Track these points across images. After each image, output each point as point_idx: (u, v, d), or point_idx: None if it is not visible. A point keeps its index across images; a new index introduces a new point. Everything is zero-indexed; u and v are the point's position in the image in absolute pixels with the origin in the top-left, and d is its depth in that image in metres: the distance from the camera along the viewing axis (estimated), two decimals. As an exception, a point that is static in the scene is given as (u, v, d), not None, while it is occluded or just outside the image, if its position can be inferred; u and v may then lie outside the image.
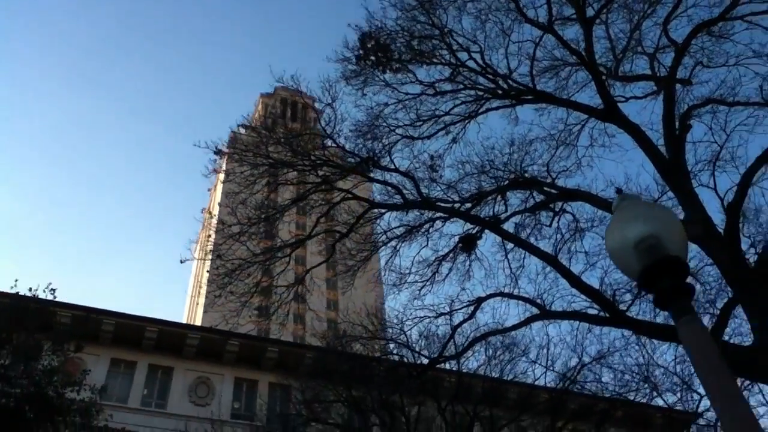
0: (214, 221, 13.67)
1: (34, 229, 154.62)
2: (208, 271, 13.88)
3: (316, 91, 15.59)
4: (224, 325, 14.86)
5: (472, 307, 16.03)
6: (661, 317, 16.10)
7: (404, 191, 14.68)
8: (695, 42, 16.79)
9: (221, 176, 17.71)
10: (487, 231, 16.89)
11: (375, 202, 15.28)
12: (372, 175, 15.17)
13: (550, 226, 18.10)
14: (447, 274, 18.62)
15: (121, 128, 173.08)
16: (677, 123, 15.08)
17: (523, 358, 20.44)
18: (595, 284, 15.95)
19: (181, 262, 14.37)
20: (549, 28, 15.17)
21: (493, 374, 21.16)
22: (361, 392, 20.17)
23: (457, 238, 18.16)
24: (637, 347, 19.69)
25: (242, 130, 13.89)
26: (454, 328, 15.83)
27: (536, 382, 21.01)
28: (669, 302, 4.46)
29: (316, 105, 17.13)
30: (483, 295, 16.01)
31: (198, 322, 48.69)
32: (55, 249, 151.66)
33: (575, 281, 13.09)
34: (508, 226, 17.59)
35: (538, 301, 15.38)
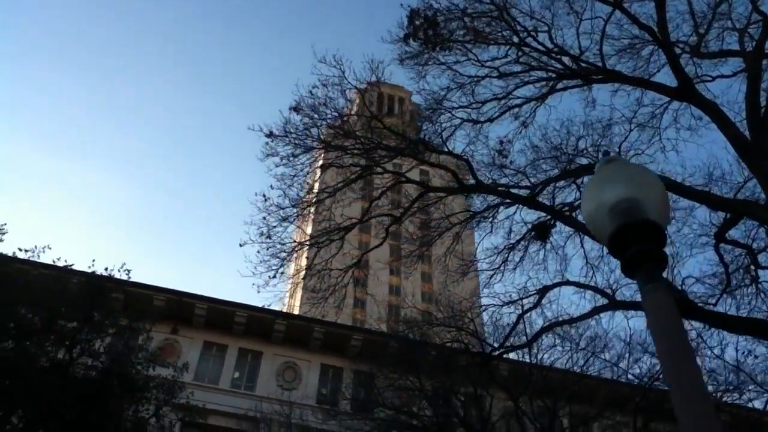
0: (268, 203, 13.92)
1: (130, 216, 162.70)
2: (257, 252, 14.17)
3: (362, 72, 15.29)
4: (277, 305, 15.17)
5: (538, 296, 15.53)
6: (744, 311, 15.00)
7: (461, 175, 14.35)
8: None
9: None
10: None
11: (429, 185, 15.02)
12: (426, 158, 14.90)
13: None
14: (518, 263, 18.14)
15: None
16: (765, 101, 13.95)
17: (605, 354, 19.50)
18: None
19: (240, 245, 14.55)
20: (617, 3, 14.34)
21: (575, 368, 20.41)
22: (439, 382, 20.01)
23: (530, 226, 17.67)
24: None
25: (294, 114, 14.05)
26: (519, 317, 15.37)
27: (620, 378, 20.05)
28: (635, 268, 4.05)
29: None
30: (550, 283, 15.45)
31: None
32: (136, 234, 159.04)
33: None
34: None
35: (608, 291, 14.63)
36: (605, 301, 14.30)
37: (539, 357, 19.24)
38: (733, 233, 16.52)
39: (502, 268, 17.68)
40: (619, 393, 20.00)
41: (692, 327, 17.89)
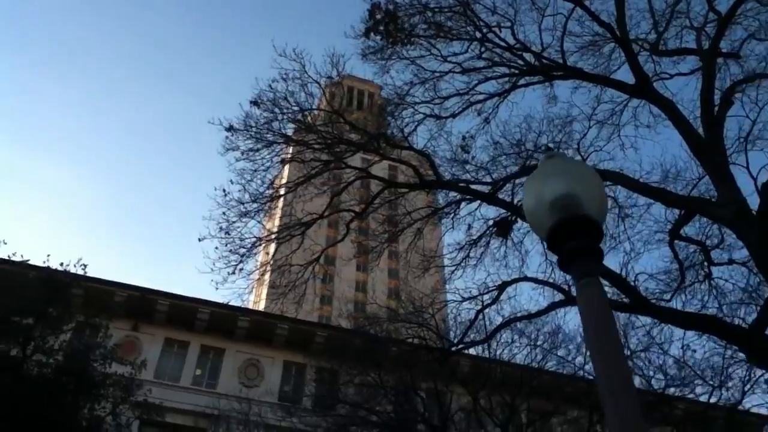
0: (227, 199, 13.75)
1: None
2: (216, 248, 14.03)
3: (323, 67, 15.14)
4: (237, 301, 15.03)
5: (497, 292, 15.60)
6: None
7: (422, 171, 14.34)
8: (747, 12, 15.77)
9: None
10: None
11: (390, 181, 14.99)
12: (388, 153, 14.86)
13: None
14: (479, 259, 18.22)
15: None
16: (719, 100, 14.19)
17: (561, 350, 19.66)
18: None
19: (200, 240, 14.35)
20: (578, 0, 14.46)
21: (534, 364, 20.54)
22: (400, 378, 19.95)
23: (491, 222, 17.74)
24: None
25: (256, 108, 13.88)
26: (478, 312, 15.42)
27: (576, 374, 20.23)
28: (571, 263, 4.06)
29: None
30: (509, 279, 15.53)
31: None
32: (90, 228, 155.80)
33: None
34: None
35: (564, 286, 14.74)
36: (562, 297, 14.43)
37: (498, 353, 19.35)
38: (689, 230, 16.85)
39: (463, 264, 17.75)
40: (575, 388, 20.19)
41: (641, 323, 18.13)
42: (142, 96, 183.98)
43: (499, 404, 20.06)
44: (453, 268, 17.59)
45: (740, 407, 19.10)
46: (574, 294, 15.09)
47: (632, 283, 13.36)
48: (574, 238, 4.11)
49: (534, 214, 4.50)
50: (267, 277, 18.14)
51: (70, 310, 18.38)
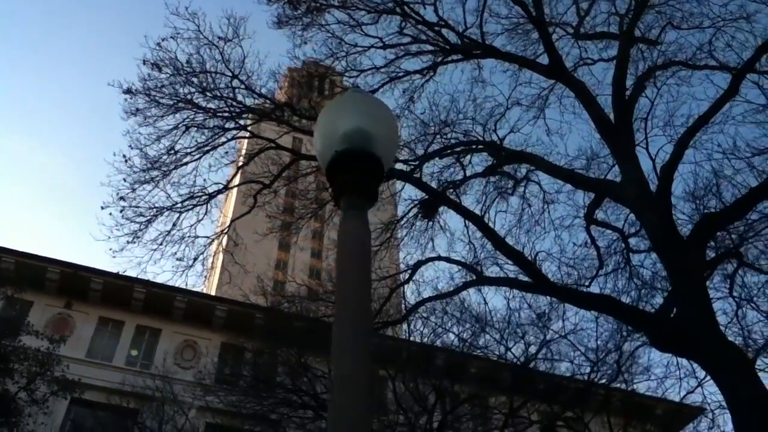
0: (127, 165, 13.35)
1: None
2: (110, 214, 13.63)
3: (222, 29, 14.61)
4: (138, 272, 14.69)
5: (410, 272, 15.49)
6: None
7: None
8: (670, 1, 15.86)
9: None
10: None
11: (300, 153, 14.72)
12: (296, 124, 14.57)
13: (512, 194, 17.40)
14: (402, 239, 18.12)
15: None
16: (634, 85, 14.23)
17: (485, 333, 19.54)
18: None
19: (102, 208, 13.94)
20: (494, -23, 14.37)
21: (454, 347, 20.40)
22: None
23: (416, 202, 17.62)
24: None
25: (156, 72, 13.45)
26: (391, 291, 15.31)
27: (500, 359, 20.19)
28: (341, 195, 3.90)
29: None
30: (423, 258, 15.43)
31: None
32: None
33: (499, 242, 12.43)
34: (472, 198, 17.04)
35: (477, 267, 14.68)
36: (474, 277, 14.37)
37: (415, 334, 19.19)
38: (610, 217, 16.93)
39: (387, 244, 17.63)
40: (494, 372, 20.20)
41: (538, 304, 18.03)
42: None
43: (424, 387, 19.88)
44: (377, 248, 17.48)
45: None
46: (485, 274, 15.03)
47: (537, 264, 13.31)
48: (349, 171, 3.97)
49: (322, 147, 4.32)
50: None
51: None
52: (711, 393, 22.67)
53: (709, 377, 12.01)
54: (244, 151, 15.66)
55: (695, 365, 14.53)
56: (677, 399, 19.50)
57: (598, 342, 17.56)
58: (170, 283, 15.35)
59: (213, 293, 38.93)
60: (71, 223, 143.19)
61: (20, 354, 19.02)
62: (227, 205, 28.73)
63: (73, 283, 30.84)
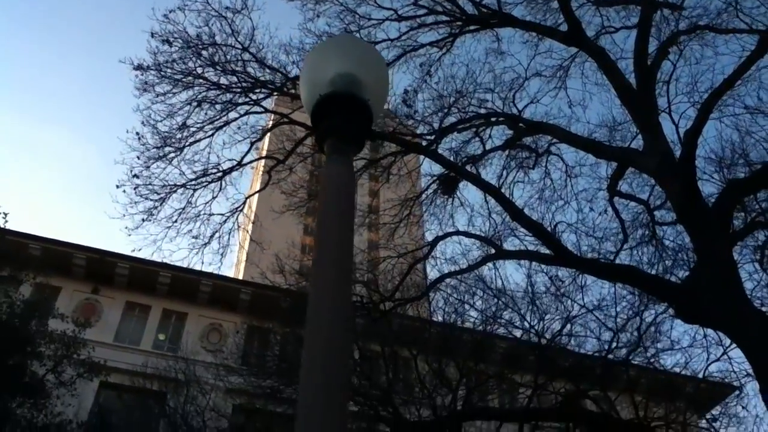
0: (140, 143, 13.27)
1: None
2: (123, 192, 13.58)
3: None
4: (154, 250, 14.68)
5: (429, 247, 15.28)
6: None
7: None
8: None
9: None
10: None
11: (311, 126, 14.43)
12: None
13: (533, 168, 17.06)
14: (421, 216, 17.92)
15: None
16: (656, 51, 13.76)
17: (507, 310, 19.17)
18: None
19: (117, 186, 13.92)
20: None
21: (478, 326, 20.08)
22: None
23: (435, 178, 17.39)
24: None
25: (165, 45, 13.29)
26: (410, 267, 15.10)
27: (524, 335, 19.83)
28: (325, 138, 3.72)
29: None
30: (441, 234, 15.20)
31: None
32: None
33: (516, 213, 12.11)
34: (492, 172, 16.79)
35: (496, 241, 14.41)
36: (493, 251, 14.10)
37: (437, 312, 18.95)
38: (635, 189, 16.49)
39: (406, 221, 17.42)
40: (517, 350, 19.82)
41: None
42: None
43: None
44: (395, 225, 17.29)
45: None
46: (505, 248, 14.74)
47: (557, 236, 13.01)
48: (334, 115, 3.78)
49: (308, 92, 4.13)
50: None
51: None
52: (738, 363, 21.97)
53: (734, 345, 11.64)
54: (259, 128, 15.49)
55: (722, 335, 14.07)
56: (702, 368, 19.02)
57: (617, 310, 17.06)
58: (186, 261, 15.28)
59: (241, 277, 39.13)
60: (98, 210, 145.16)
61: (46, 337, 19.23)
62: (249, 185, 28.67)
63: (100, 268, 31.16)
